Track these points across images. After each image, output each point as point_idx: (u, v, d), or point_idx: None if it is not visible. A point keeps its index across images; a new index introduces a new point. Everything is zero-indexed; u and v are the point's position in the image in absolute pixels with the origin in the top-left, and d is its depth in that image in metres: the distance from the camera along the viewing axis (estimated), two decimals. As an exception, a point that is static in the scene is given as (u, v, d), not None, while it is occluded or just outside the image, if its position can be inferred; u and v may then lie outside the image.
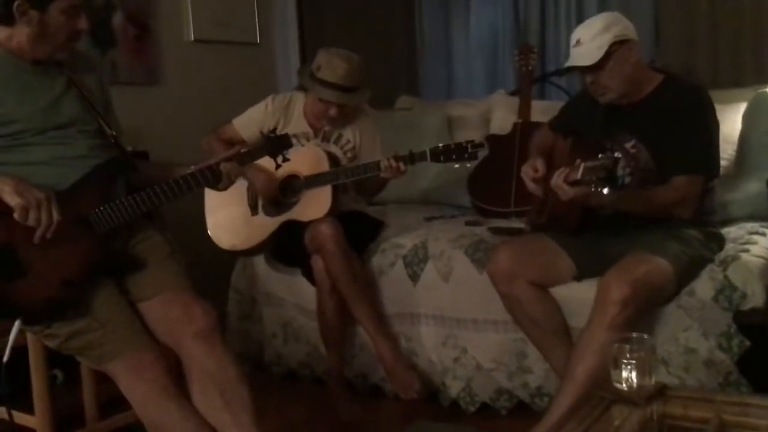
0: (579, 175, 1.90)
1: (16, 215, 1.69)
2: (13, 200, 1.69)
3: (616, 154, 1.88)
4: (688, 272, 2.21)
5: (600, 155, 1.90)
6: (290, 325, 2.98)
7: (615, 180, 1.88)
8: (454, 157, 2.57)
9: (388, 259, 2.77)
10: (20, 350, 2.02)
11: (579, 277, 2.33)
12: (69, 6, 1.81)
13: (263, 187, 2.78)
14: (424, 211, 3.28)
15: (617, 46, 2.19)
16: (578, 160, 1.93)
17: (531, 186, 2.33)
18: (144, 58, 3.57)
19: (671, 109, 2.23)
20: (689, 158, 2.20)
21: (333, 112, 2.75)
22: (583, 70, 2.24)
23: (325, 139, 2.87)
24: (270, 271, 3.00)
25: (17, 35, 1.82)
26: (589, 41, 2.20)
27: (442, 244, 2.70)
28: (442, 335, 2.65)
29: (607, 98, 2.28)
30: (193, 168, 1.96)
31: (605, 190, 1.85)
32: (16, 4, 1.77)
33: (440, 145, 2.59)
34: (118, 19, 3.44)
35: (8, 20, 1.80)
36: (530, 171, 2.33)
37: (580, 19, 3.86)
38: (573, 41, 2.25)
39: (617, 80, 2.23)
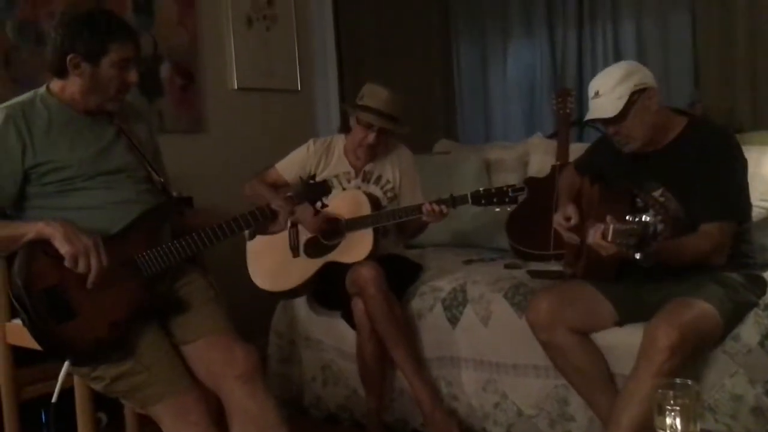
0: (610, 237, 1.86)
1: (66, 262, 1.74)
2: (63, 247, 1.74)
3: (644, 218, 1.83)
4: (733, 317, 2.16)
5: (628, 217, 1.85)
6: (329, 368, 2.99)
7: (647, 244, 1.84)
8: (494, 200, 2.57)
9: (427, 303, 2.77)
10: (67, 393, 2.06)
11: (620, 323, 2.30)
12: (120, 59, 1.88)
13: (312, 224, 2.78)
14: (463, 254, 3.28)
15: (637, 95, 2.16)
16: (609, 217, 1.89)
17: (566, 235, 2.33)
18: (190, 107, 3.68)
19: (697, 154, 2.19)
20: (719, 205, 2.16)
21: (371, 138, 2.79)
22: (605, 122, 2.22)
23: (366, 179, 2.91)
24: (310, 314, 3.02)
25: (70, 87, 1.90)
26: (608, 92, 2.17)
27: (481, 287, 2.69)
28: (482, 380, 2.63)
29: (630, 147, 2.25)
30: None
31: (637, 255, 1.84)
32: (69, 57, 1.85)
33: (481, 189, 2.60)
34: (165, 70, 3.57)
35: (62, 73, 1.89)
36: (563, 221, 2.32)
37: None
38: (591, 93, 2.22)
39: (640, 129, 2.20)
